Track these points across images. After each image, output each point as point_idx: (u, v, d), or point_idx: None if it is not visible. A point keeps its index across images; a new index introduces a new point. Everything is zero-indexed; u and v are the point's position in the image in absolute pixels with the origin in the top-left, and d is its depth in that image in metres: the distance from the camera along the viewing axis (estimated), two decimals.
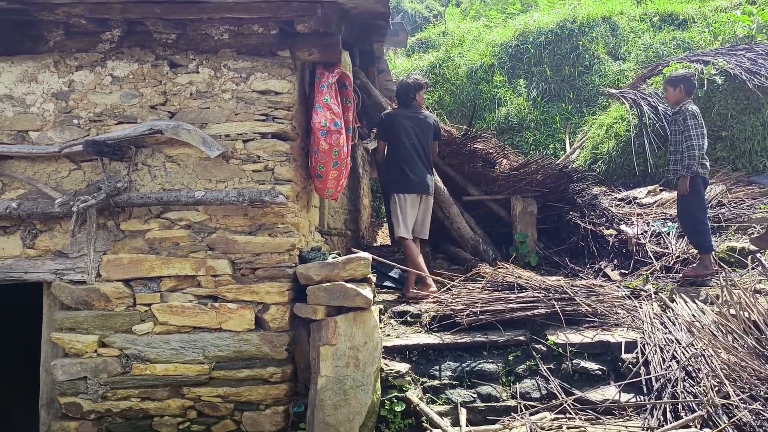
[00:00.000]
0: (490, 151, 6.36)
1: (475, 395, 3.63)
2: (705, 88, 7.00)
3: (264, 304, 3.56)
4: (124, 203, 3.53)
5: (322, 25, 3.54)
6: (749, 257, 4.69)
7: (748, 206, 6.00)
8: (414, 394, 3.56)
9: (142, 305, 3.58)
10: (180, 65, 3.69)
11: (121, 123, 3.65)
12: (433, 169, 5.21)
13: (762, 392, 3.19)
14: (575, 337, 3.90)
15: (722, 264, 4.91)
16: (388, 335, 4.06)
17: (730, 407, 3.12)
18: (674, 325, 3.90)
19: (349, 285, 3.46)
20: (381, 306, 4.37)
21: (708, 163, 4.93)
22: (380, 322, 4.10)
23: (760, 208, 5.82)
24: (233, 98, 3.66)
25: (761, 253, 4.68)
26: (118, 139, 3.54)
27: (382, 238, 8.29)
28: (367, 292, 3.47)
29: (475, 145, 6.28)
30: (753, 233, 5.26)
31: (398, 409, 3.49)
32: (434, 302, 4.46)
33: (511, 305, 4.10)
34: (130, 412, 3.55)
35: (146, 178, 3.65)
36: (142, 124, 3.60)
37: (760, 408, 3.07)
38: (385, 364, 3.69)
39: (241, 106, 3.65)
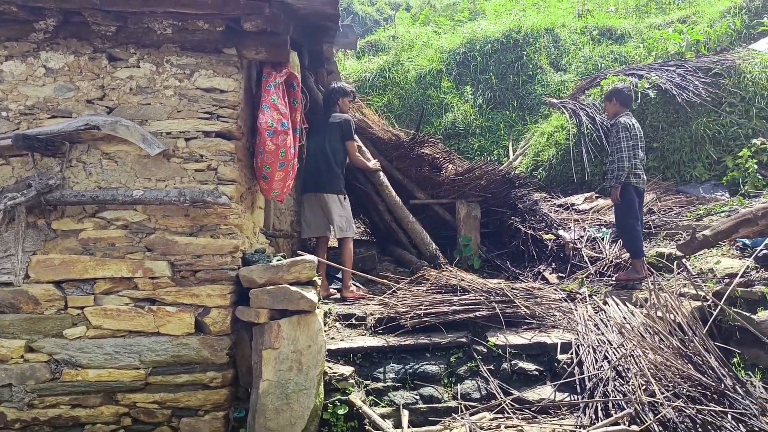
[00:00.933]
0: (437, 156, 6.47)
1: (417, 397, 3.68)
2: (638, 101, 7.37)
3: (205, 307, 3.48)
4: (56, 201, 3.36)
5: (269, 24, 3.50)
6: (675, 262, 4.97)
7: (675, 214, 6.35)
8: (357, 397, 3.57)
9: (74, 308, 3.43)
10: (120, 59, 3.56)
11: (54, 117, 3.48)
12: (338, 168, 5.09)
13: (684, 390, 3.39)
14: (514, 339, 4.02)
15: (651, 269, 5.19)
16: (333, 338, 4.06)
17: (656, 405, 3.30)
18: (606, 326, 4.09)
19: (293, 288, 3.43)
20: (326, 308, 4.36)
21: (642, 173, 5.17)
22: (325, 324, 4.08)
23: (687, 216, 6.17)
24: (176, 95, 3.56)
25: (686, 258, 4.97)
26: (51, 134, 3.37)
27: (330, 240, 8.25)
28: (311, 295, 3.45)
29: (423, 150, 6.37)
30: (679, 239, 5.57)
31: (341, 412, 3.49)
32: (379, 304, 4.49)
33: (453, 308, 4.18)
34: (60, 420, 3.38)
35: (81, 176, 3.50)
36: (77, 118, 3.45)
37: (683, 405, 3.26)
38: (329, 368, 3.68)
39: (184, 103, 3.56)
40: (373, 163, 5.82)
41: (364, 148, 6.17)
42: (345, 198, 5.15)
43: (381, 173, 5.91)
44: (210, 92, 3.58)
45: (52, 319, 3.41)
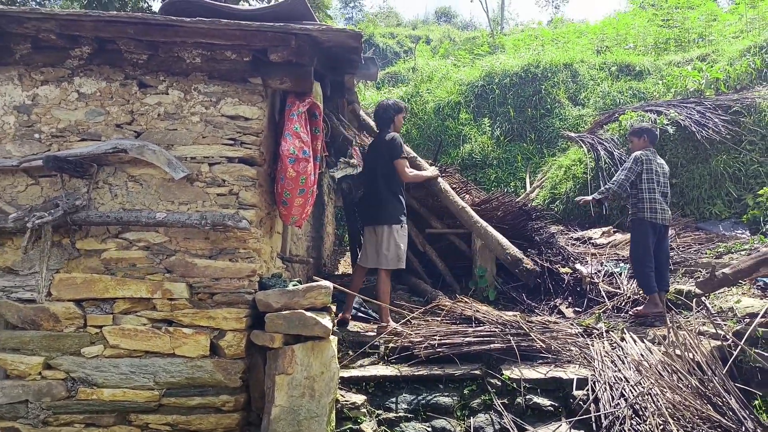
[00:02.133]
0: (454, 186, 6.51)
1: (429, 429, 3.63)
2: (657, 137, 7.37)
3: (220, 330, 3.51)
4: (81, 221, 3.45)
5: (295, 56, 3.61)
6: (694, 300, 4.90)
7: (695, 251, 6.28)
8: (369, 427, 3.55)
9: (93, 327, 3.48)
10: (149, 86, 3.68)
11: (84, 140, 3.60)
12: (390, 194, 4.81)
13: (703, 431, 3.30)
14: (529, 373, 3.97)
15: (670, 305, 5.11)
16: (346, 365, 4.05)
17: None
18: (623, 363, 4.02)
19: (308, 314, 3.45)
20: (340, 335, 4.35)
21: (661, 209, 5.16)
22: (338, 351, 4.08)
23: (706, 253, 6.10)
24: (202, 121, 3.66)
25: (706, 296, 4.89)
26: (81, 156, 3.48)
27: (344, 266, 8.29)
28: (326, 321, 3.47)
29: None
30: (699, 277, 5.49)
31: None
32: (393, 334, 4.47)
33: (468, 339, 4.15)
34: None
35: (106, 197, 3.59)
36: (106, 142, 3.56)
37: None
38: (341, 395, 3.67)
39: (209, 129, 3.65)
40: (430, 171, 5.46)
41: (419, 158, 5.99)
42: (402, 227, 4.81)
43: (440, 179, 5.84)
44: (235, 119, 3.68)
45: (71, 337, 3.46)
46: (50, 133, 3.61)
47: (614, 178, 5.27)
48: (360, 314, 5.39)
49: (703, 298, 4.85)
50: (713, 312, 4.62)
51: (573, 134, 8.99)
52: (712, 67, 8.86)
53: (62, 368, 3.43)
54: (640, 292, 5.45)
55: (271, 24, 3.48)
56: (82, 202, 3.48)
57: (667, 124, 7.47)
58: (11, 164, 3.50)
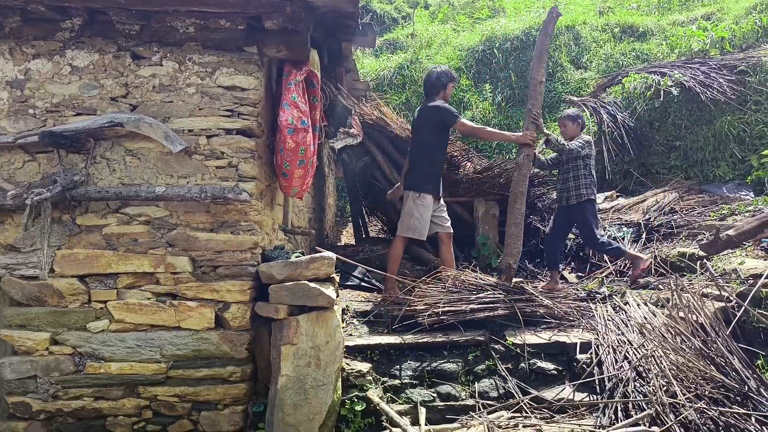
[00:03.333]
0: (455, 153, 6.46)
1: (434, 394, 3.68)
2: (661, 99, 7.27)
3: (225, 302, 3.52)
4: (80, 197, 3.43)
5: (290, 23, 3.52)
6: (698, 263, 4.89)
7: (698, 213, 6.25)
8: (374, 394, 3.59)
9: (97, 302, 3.49)
10: (143, 57, 3.61)
11: (79, 114, 3.55)
12: (423, 162, 4.77)
13: (707, 392, 3.33)
14: (533, 338, 3.99)
15: (673, 268, 5.11)
16: (351, 335, 4.08)
17: (677, 406, 3.25)
18: (627, 326, 4.04)
19: (312, 284, 3.46)
20: (344, 305, 4.38)
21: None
22: (343, 321, 4.10)
23: (710, 216, 6.07)
24: (198, 93, 3.60)
25: (709, 258, 4.88)
26: (77, 131, 3.44)
27: (347, 237, 8.30)
28: (330, 291, 3.47)
29: None
30: (702, 239, 5.48)
31: (358, 408, 3.51)
32: (396, 303, 4.48)
33: (471, 306, 4.17)
34: (83, 411, 3.45)
35: (105, 172, 3.56)
36: (102, 116, 3.51)
37: (705, 407, 3.21)
38: (347, 364, 3.70)
39: (205, 101, 3.60)
40: (521, 134, 4.78)
41: (534, 111, 4.98)
42: (419, 196, 4.72)
43: (529, 150, 4.77)
44: (231, 90, 3.61)
45: (76, 313, 3.48)
46: (45, 108, 3.56)
47: (568, 144, 5.13)
48: (364, 284, 5.41)
49: (706, 261, 4.84)
50: (716, 274, 4.61)
51: (575, 98, 8.85)
52: (717, 25, 8.65)
53: (69, 343, 3.46)
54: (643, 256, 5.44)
55: None
56: (80, 178, 3.45)
57: (671, 86, 7.34)
58: (7, 141, 3.46)
